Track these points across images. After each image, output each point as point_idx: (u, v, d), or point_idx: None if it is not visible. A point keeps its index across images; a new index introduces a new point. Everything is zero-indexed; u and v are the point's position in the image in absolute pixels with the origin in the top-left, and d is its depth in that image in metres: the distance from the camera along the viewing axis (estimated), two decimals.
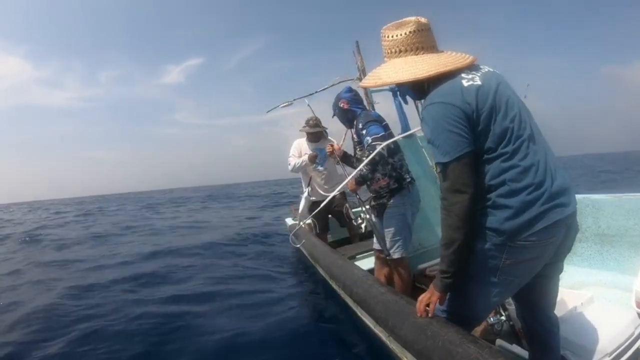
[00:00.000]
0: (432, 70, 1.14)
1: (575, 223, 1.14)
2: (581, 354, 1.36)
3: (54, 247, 6.53)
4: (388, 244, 2.23)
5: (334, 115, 2.49)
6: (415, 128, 2.39)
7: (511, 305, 1.61)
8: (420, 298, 1.27)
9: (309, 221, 3.48)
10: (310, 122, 3.44)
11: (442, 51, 1.23)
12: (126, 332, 2.49)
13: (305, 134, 3.56)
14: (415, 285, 2.47)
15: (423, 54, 1.19)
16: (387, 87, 2.63)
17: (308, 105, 3.14)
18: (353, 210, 3.66)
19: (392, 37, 1.21)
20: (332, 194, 2.35)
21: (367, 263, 2.83)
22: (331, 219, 3.84)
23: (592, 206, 2.39)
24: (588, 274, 2.25)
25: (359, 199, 2.45)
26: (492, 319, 1.68)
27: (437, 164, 1.13)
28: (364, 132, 2.15)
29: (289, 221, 4.69)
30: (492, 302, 1.21)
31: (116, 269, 4.36)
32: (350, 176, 2.06)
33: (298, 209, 3.69)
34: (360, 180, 2.24)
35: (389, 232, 2.21)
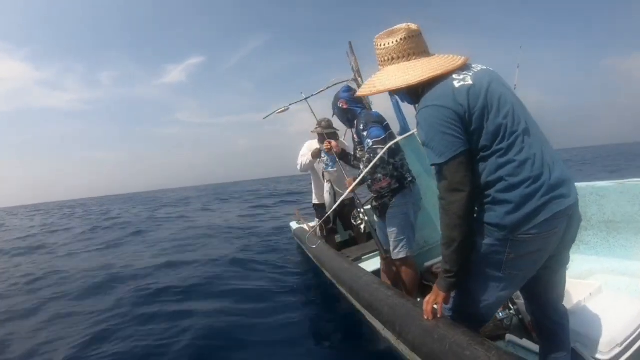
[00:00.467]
0: (424, 75, 1.16)
1: (577, 213, 1.15)
2: (592, 346, 1.36)
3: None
4: (392, 244, 2.23)
5: (333, 114, 2.50)
6: (414, 127, 2.38)
7: (520, 299, 1.61)
8: (426, 300, 1.28)
9: (313, 224, 3.45)
10: (323, 123, 3.27)
11: (434, 55, 1.25)
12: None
13: (317, 135, 3.37)
14: (422, 283, 2.48)
15: (415, 59, 1.22)
16: None
17: (308, 105, 3.12)
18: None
19: (384, 45, 1.24)
20: (339, 200, 2.33)
21: (373, 264, 2.83)
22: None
23: (595, 194, 2.38)
24: (595, 262, 2.24)
25: (358, 200, 2.45)
26: (501, 313, 1.68)
27: (433, 165, 1.15)
28: (364, 133, 2.15)
29: (294, 225, 4.69)
30: (499, 298, 1.22)
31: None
32: (356, 182, 2.07)
33: (301, 213, 3.67)
34: (360, 181, 2.25)
35: (392, 232, 2.22)
